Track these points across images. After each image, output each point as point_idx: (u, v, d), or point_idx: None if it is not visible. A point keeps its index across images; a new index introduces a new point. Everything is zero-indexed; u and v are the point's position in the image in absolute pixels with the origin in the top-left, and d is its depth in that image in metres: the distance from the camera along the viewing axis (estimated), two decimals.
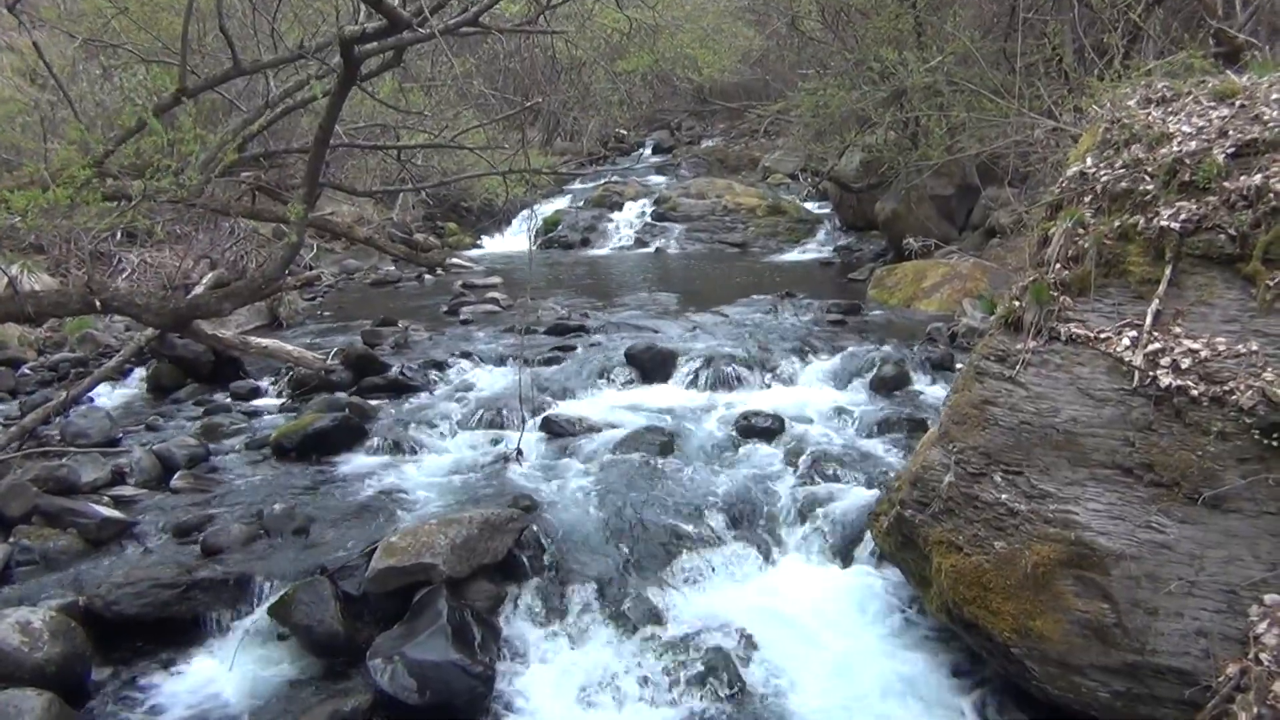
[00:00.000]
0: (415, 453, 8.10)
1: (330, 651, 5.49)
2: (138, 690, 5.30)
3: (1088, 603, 4.42)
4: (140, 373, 10.63)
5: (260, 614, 5.68)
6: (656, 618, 5.78)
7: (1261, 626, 4.04)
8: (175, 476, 7.50)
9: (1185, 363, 4.59)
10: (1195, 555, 4.30)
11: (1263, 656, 3.95)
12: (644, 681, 5.29)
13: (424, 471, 7.64)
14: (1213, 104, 5.30)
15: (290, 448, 7.97)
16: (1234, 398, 4.41)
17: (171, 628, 5.63)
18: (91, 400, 9.55)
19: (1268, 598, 4.12)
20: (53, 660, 5.06)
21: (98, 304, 6.26)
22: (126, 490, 7.32)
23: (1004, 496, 4.86)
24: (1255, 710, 3.82)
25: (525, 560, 6.12)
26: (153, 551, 6.27)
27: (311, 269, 15.11)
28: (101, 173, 6.49)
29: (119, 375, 10.32)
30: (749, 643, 5.51)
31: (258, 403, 9.73)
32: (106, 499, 7.06)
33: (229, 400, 9.75)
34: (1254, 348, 4.51)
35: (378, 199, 19.11)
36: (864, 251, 18.01)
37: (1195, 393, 4.51)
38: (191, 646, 5.61)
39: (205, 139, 7.60)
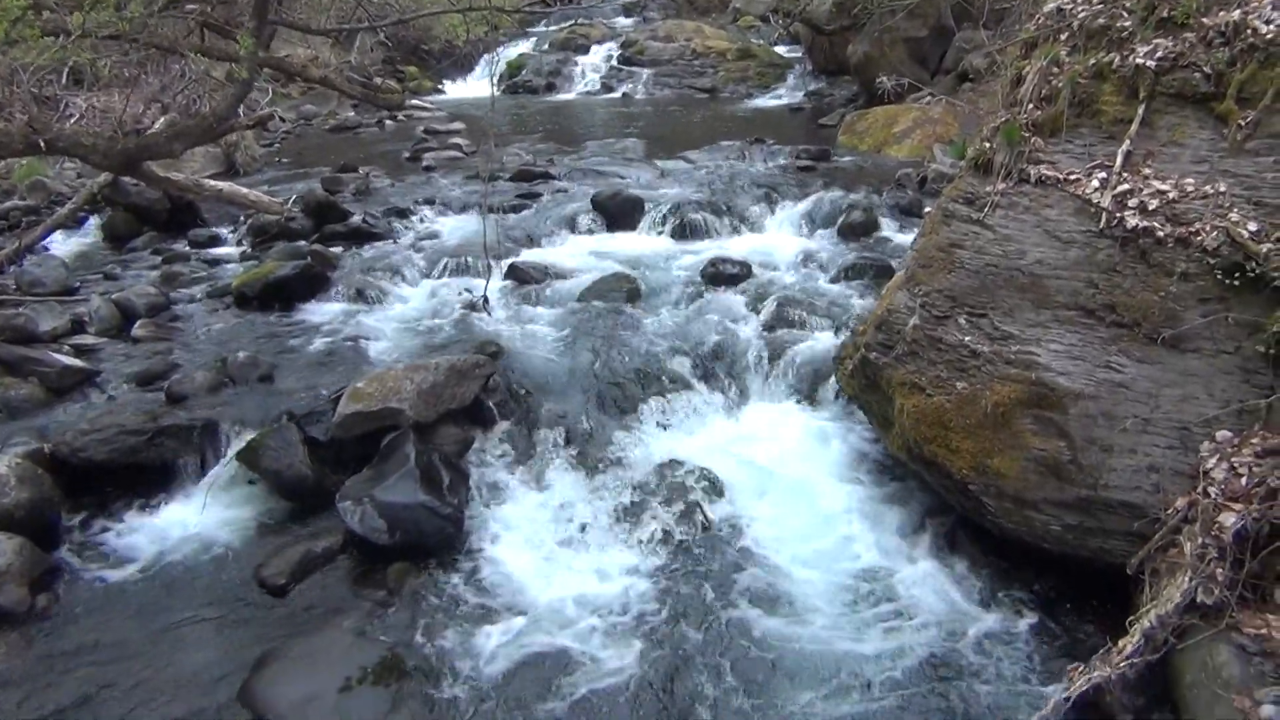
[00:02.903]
0: (379, 301, 8.02)
1: (300, 495, 5.54)
2: (109, 534, 5.35)
3: (1045, 441, 4.51)
4: (95, 221, 10.38)
5: (229, 460, 5.70)
6: (622, 460, 5.86)
7: (1211, 462, 4.15)
8: (136, 325, 7.40)
9: (1153, 204, 4.57)
10: (1151, 394, 4.38)
11: (1210, 490, 4.06)
12: (610, 521, 5.40)
13: (389, 319, 7.59)
14: None
15: (252, 296, 7.87)
16: (1199, 238, 4.41)
17: (140, 474, 5.64)
18: (46, 249, 9.33)
19: (1219, 434, 4.22)
20: (21, 505, 5.07)
21: (41, 144, 5.99)
22: (87, 339, 7.23)
23: (967, 338, 4.89)
24: (1200, 540, 3.95)
25: (492, 405, 6.15)
26: (116, 399, 6.23)
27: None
28: (38, 5, 6.13)
29: (73, 223, 10.06)
30: (713, 483, 5.61)
31: (217, 251, 9.56)
32: (67, 348, 6.97)
33: (188, 249, 9.58)
34: (1222, 188, 4.49)
35: (334, 40, 18.35)
36: (835, 97, 17.65)
37: (1161, 234, 4.51)
38: (161, 492, 5.64)
39: None
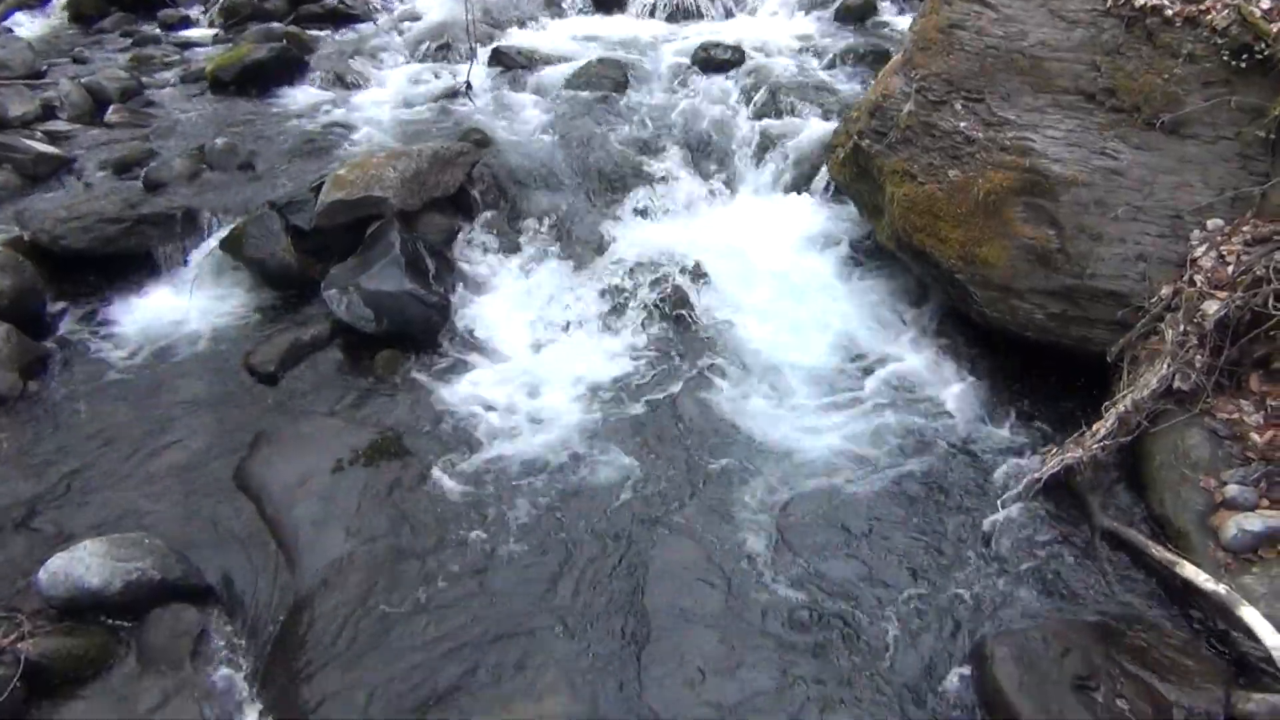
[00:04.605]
0: (359, 86, 7.77)
1: (285, 284, 5.52)
2: (96, 321, 5.35)
3: (1035, 229, 4.46)
4: (58, 1, 9.91)
5: (211, 248, 5.63)
6: (609, 250, 5.81)
7: (1200, 250, 4.13)
8: (109, 110, 7.19)
9: None
10: (1146, 181, 4.30)
11: (1196, 278, 4.06)
12: (594, 309, 5.39)
13: (369, 105, 7.36)
14: None
15: (227, 80, 7.61)
16: (1209, 18, 4.24)
17: (122, 262, 5.59)
18: (9, 30, 8.95)
19: (1210, 222, 4.17)
20: (4, 293, 5.04)
21: None
22: (59, 125, 7.03)
23: (963, 124, 4.76)
24: (1181, 327, 3.97)
25: (477, 194, 6.05)
26: (93, 187, 6.11)
27: None
28: None
29: (35, 3, 9.62)
30: (700, 272, 5.57)
31: (188, 33, 9.20)
32: (39, 134, 6.79)
33: (158, 30, 9.21)
34: None
35: None
36: None
37: (1170, 13, 4.33)
38: (145, 280, 5.62)
39: None
